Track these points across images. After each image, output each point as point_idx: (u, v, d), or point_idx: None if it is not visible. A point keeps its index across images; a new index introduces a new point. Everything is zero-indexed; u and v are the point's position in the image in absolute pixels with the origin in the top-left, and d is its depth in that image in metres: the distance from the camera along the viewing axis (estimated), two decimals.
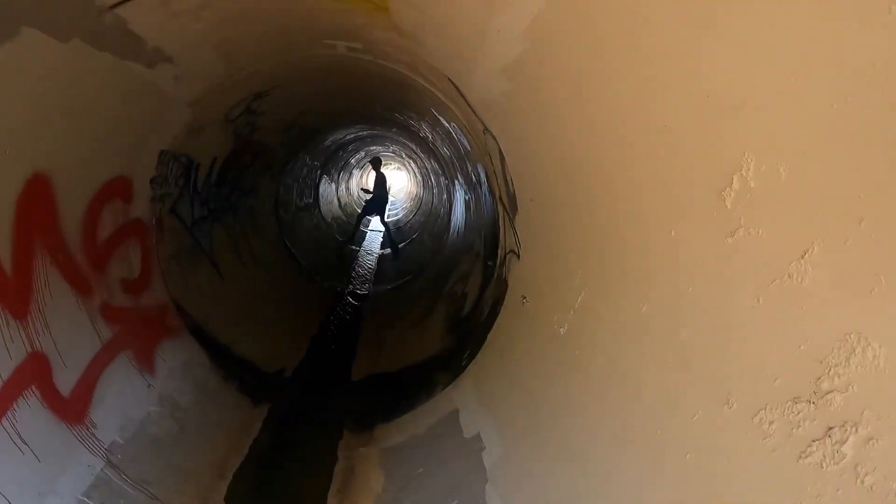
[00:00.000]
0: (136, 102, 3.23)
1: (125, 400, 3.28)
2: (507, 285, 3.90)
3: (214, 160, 5.06)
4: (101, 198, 3.27)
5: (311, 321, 6.41)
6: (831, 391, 1.31)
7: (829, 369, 1.30)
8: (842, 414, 1.29)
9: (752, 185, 1.34)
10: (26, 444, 2.45)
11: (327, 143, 9.52)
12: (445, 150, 6.62)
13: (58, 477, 2.58)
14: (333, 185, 12.28)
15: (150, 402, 3.45)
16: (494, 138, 3.51)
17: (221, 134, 4.90)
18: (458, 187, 7.23)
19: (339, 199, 12.81)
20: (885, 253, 1.12)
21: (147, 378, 3.56)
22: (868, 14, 1.01)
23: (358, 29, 3.43)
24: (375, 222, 12.21)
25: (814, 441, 1.35)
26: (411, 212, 14.79)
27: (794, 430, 1.41)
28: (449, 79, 3.46)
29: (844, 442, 1.30)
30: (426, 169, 11.36)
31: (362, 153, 13.50)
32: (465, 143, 4.88)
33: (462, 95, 3.52)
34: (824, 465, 1.34)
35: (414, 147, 9.90)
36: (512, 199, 3.66)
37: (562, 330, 2.66)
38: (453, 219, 7.93)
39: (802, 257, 1.27)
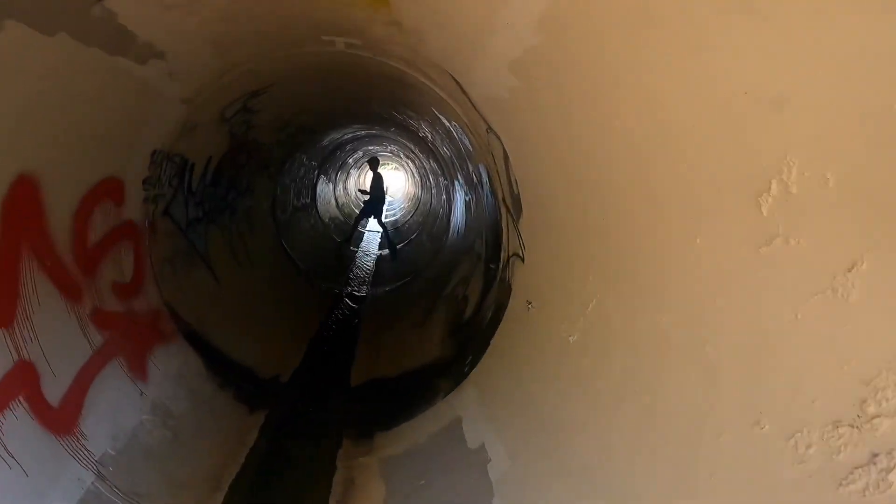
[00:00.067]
0: (127, 100, 3.11)
1: (117, 409, 3.17)
2: (510, 289, 3.80)
3: (209, 160, 4.94)
4: (91, 199, 3.16)
5: (309, 324, 6.30)
6: (878, 416, 1.22)
7: (877, 392, 1.20)
8: (889, 440, 1.20)
9: (793, 191, 1.23)
10: (13, 457, 2.35)
11: (325, 142, 9.41)
12: (445, 150, 6.52)
13: (47, 492, 2.48)
14: (331, 185, 12.17)
15: (142, 411, 3.33)
16: (498, 137, 3.41)
17: (217, 133, 4.78)
18: (457, 188, 7.12)
19: (336, 200, 12.70)
20: None
21: (139, 386, 3.44)
22: None
23: (357, 24, 3.32)
24: (373, 223, 12.11)
25: (856, 468, 1.27)
26: (409, 212, 14.69)
27: (834, 456, 1.33)
28: (451, 75, 3.35)
29: (891, 470, 1.22)
30: (424, 169, 11.28)
31: (360, 153, 13.40)
32: (467, 143, 4.78)
33: (465, 93, 3.42)
34: (867, 493, 1.25)
35: (412, 147, 9.81)
36: (516, 200, 3.56)
37: (571, 338, 2.56)
38: (453, 220, 7.84)
39: (850, 271, 1.17)
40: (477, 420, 3.25)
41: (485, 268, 4.87)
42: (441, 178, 8.92)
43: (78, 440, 2.79)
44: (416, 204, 14.16)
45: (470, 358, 3.90)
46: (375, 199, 11.07)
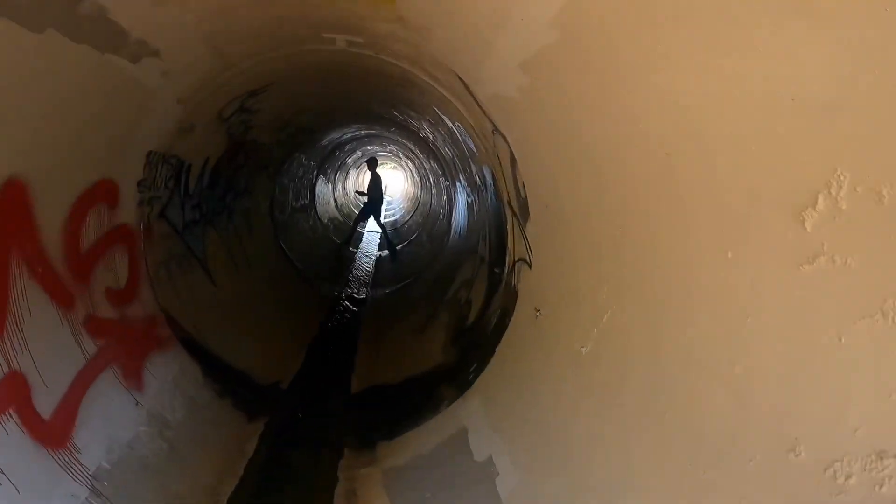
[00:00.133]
0: (119, 100, 3.00)
1: (111, 420, 3.06)
2: (516, 295, 3.70)
3: (207, 161, 4.83)
4: (83, 203, 3.05)
5: (308, 327, 6.18)
6: None
7: None
8: None
9: (842, 207, 1.13)
10: (4, 473, 2.25)
11: (324, 142, 9.30)
12: (447, 151, 6.41)
13: None
14: (330, 186, 12.07)
15: (138, 422, 3.23)
16: (505, 139, 3.31)
17: (214, 133, 4.66)
18: (459, 189, 7.02)
19: (335, 200, 12.59)
20: None
21: (135, 395, 3.34)
22: None
23: (360, 20, 3.21)
24: (372, 223, 12.01)
25: None
26: (409, 212, 14.58)
27: (877, 488, 1.24)
28: (457, 74, 3.25)
29: None
30: (424, 169, 11.18)
31: (359, 153, 13.29)
32: (470, 144, 4.68)
33: (470, 92, 3.31)
34: None
35: (412, 147, 9.70)
36: (523, 204, 3.46)
37: (584, 350, 2.46)
38: (454, 221, 7.73)
39: None
40: (483, 431, 3.15)
41: (489, 271, 4.77)
42: (442, 179, 8.81)
43: (71, 454, 2.69)
44: (416, 204, 14.05)
45: (475, 366, 3.80)
46: (373, 200, 10.98)
